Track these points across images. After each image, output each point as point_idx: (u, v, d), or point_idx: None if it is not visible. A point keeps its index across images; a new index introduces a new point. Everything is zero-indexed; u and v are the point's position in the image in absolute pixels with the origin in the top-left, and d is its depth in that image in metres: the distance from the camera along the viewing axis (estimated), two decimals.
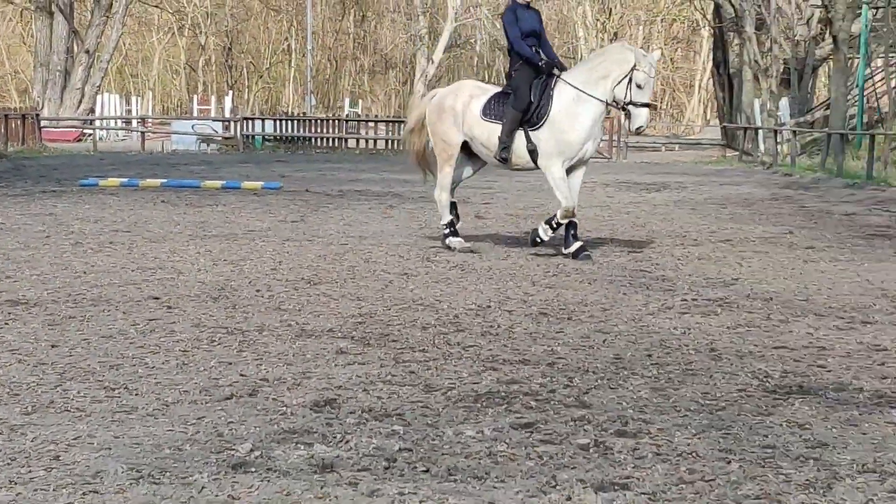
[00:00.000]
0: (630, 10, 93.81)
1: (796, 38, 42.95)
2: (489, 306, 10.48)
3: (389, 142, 53.06)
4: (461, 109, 13.35)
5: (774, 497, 5.38)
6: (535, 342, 8.87)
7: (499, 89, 14.26)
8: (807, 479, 5.68)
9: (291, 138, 54.99)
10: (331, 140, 54.87)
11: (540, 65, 12.79)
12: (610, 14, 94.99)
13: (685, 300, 11.35)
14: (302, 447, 6.07)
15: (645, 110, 11.48)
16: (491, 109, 12.87)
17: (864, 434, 6.64)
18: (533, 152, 12.13)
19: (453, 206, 14.70)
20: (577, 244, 13.47)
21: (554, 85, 12.23)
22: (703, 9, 66.23)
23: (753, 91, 50.03)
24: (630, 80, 11.19)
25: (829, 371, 8.39)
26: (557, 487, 5.30)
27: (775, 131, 42.90)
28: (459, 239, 14.78)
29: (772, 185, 32.00)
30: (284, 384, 7.57)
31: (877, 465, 5.98)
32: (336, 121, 57.49)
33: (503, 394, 7.24)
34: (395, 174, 33.03)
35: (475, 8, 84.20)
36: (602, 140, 17.45)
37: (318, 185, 28.43)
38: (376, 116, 68.08)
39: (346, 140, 55.03)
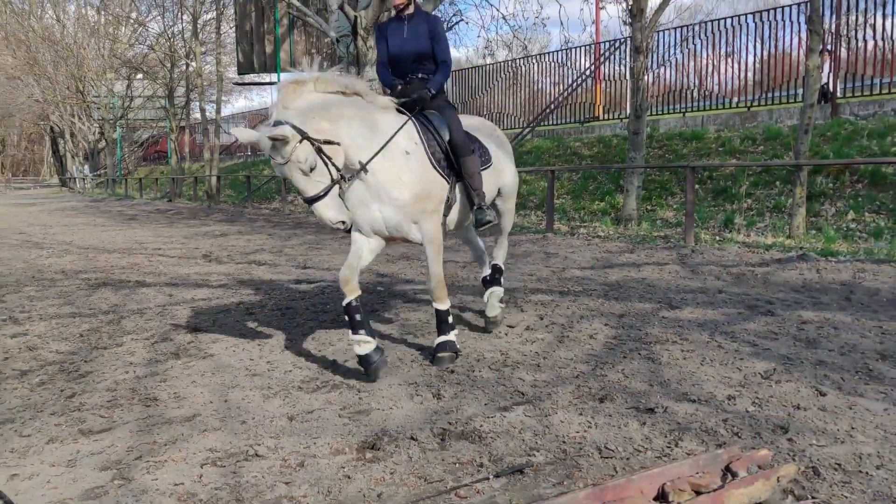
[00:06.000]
0: None
1: (89, 139, 40.75)
2: None
3: None
4: None
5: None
6: None
7: None
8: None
9: None
10: None
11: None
12: None
13: (49, 251, 10.52)
14: None
15: None
16: None
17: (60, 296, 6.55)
18: None
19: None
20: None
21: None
22: None
23: (71, 160, 45.27)
24: None
25: (121, 272, 8.06)
26: None
27: (83, 179, 39.71)
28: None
29: (86, 200, 28.68)
30: None
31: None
32: None
33: None
34: None
35: None
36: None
37: None
38: None
39: None
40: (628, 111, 13.05)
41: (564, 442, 2.88)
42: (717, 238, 9.31)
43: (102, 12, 31.87)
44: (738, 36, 14.53)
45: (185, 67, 28.69)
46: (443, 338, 4.02)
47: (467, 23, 26.52)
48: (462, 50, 42.69)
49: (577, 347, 4.31)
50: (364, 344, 3.70)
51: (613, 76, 16.90)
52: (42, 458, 2.91)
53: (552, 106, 17.86)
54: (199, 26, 25.39)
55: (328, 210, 3.46)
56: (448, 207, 4.03)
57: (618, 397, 3.39)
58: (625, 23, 14.01)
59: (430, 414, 3.24)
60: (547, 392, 3.49)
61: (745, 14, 14.76)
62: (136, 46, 31.16)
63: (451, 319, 4.06)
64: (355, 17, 13.74)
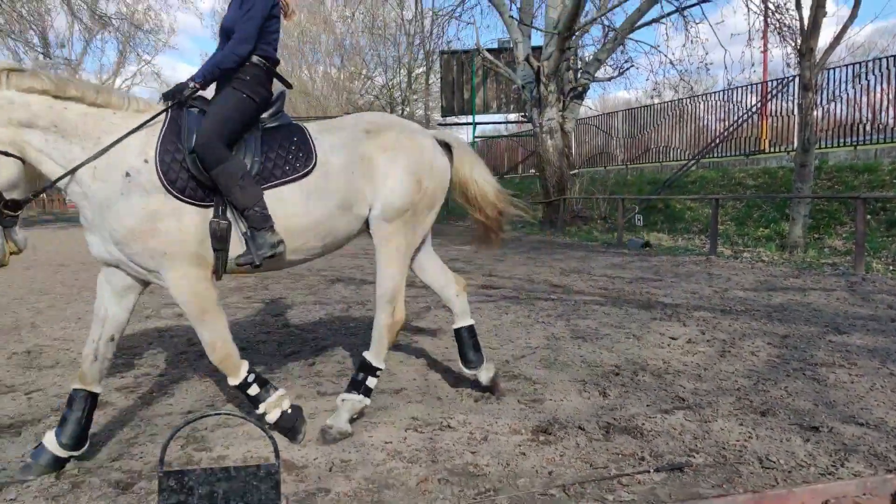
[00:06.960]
0: None
1: None
2: None
3: None
4: None
5: None
6: None
7: None
8: None
9: None
10: None
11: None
12: None
13: None
14: None
15: None
16: None
17: None
18: None
19: None
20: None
21: None
22: None
23: None
24: None
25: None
26: None
27: None
28: None
29: None
30: None
31: None
32: None
33: None
34: None
35: None
36: None
37: None
38: None
39: None
40: (795, 144, 11.69)
41: (724, 448, 2.65)
42: (892, 268, 8.01)
43: (341, 70, 35.23)
44: None
45: (401, 112, 30.85)
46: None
47: (637, 68, 25.48)
48: (632, 92, 41.22)
49: (738, 362, 3.94)
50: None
51: (780, 112, 15.26)
52: None
53: (717, 140, 16.54)
54: (412, 79, 27.20)
55: None
56: (218, 238, 2.50)
57: (780, 412, 3.05)
58: (788, 65, 12.68)
59: (597, 409, 3.15)
60: (707, 400, 3.23)
61: None
62: (364, 96, 34.04)
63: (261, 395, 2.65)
64: (538, 66, 13.85)
